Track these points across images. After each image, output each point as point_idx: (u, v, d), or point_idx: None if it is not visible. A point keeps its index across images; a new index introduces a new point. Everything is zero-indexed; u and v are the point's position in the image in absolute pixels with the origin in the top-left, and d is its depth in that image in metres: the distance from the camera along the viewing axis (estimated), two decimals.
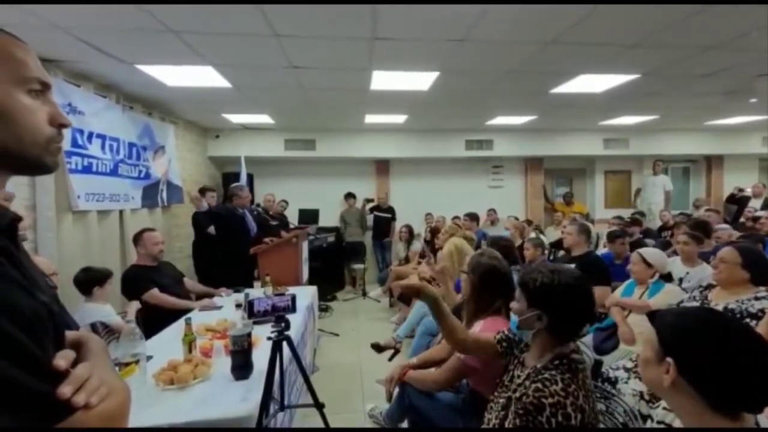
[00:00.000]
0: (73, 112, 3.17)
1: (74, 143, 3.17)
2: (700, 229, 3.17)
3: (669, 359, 0.82)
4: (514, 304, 1.28)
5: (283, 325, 1.41)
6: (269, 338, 1.48)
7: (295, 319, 2.63)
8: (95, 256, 3.40)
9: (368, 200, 7.15)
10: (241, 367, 1.65)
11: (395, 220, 7.02)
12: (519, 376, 1.22)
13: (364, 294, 6.30)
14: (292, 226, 6.06)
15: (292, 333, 2.40)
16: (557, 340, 1.20)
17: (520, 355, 1.32)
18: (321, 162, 7.15)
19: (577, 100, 4.62)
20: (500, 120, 5.95)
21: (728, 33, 2.78)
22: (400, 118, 5.74)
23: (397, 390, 1.96)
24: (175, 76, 3.50)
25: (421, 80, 3.74)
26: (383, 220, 7.00)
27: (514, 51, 3.03)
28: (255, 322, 2.50)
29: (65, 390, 0.50)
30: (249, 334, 1.67)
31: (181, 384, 1.62)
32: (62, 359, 0.53)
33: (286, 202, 6.67)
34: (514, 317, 1.27)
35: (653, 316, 0.89)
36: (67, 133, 3.09)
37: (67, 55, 2.94)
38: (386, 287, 5.41)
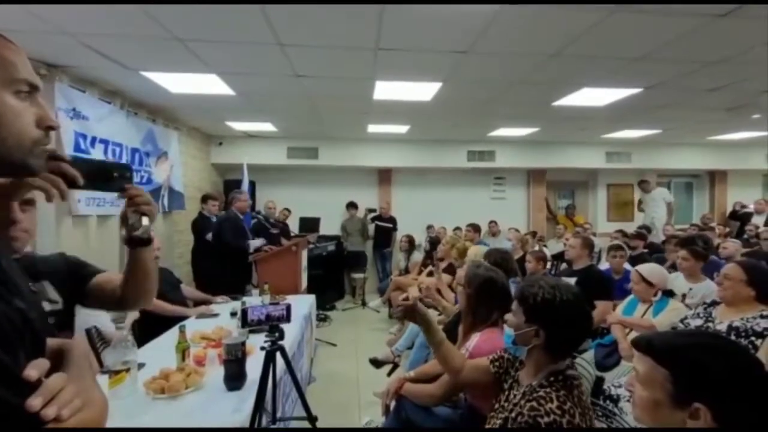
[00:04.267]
0: (77, 117, 3.19)
1: (77, 148, 3.19)
2: (693, 244, 3.13)
3: (699, 405, 0.74)
4: (509, 317, 1.25)
5: (277, 334, 1.38)
6: (263, 348, 1.45)
7: (292, 329, 2.60)
8: (94, 260, 3.34)
9: (370, 210, 7.15)
10: (234, 377, 1.62)
11: (396, 230, 7.00)
12: (515, 396, 1.19)
13: (364, 304, 6.25)
14: (293, 235, 6.06)
15: (288, 343, 2.36)
16: (552, 358, 1.17)
17: (515, 373, 1.28)
18: (323, 170, 7.16)
19: (580, 113, 4.62)
20: (502, 131, 5.96)
21: (732, 48, 2.78)
22: (402, 128, 5.76)
23: (393, 404, 1.91)
24: (180, 83, 3.52)
25: (424, 91, 3.75)
26: (385, 230, 6.98)
27: (517, 63, 3.04)
28: (250, 331, 2.48)
29: (35, 402, 0.48)
30: (243, 344, 1.64)
31: (172, 393, 1.59)
32: (34, 369, 0.50)
33: (289, 211, 6.68)
34: (509, 331, 1.24)
35: (644, 345, 0.84)
36: (70, 137, 3.12)
37: (74, 61, 2.97)
38: (385, 297, 5.37)
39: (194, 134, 5.84)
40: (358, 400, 3.15)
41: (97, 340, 2.44)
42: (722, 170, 7.95)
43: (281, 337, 1.39)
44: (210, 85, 3.53)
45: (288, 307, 1.43)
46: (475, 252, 3.04)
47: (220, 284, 3.89)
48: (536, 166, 7.41)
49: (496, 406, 1.27)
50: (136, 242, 1.00)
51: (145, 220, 0.98)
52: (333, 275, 6.51)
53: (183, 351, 1.87)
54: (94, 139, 3.39)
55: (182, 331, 1.90)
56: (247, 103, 4.22)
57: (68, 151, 3.09)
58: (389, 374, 3.23)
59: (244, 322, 1.39)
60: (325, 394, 3.32)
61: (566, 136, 6.39)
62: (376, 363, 3.27)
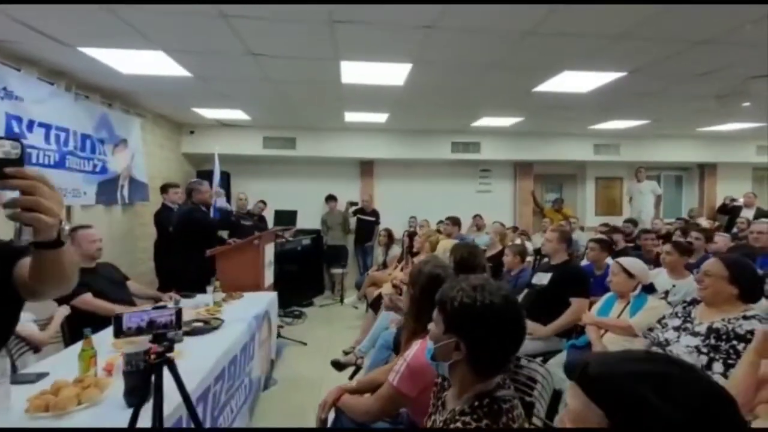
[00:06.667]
0: (9, 98, 2.90)
1: (9, 130, 2.89)
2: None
3: None
4: (431, 326, 1.03)
5: (166, 344, 1.15)
6: (144, 361, 1.21)
7: (235, 330, 2.37)
8: None
9: (352, 203, 6.90)
10: (135, 392, 1.38)
11: (379, 224, 6.77)
12: (439, 422, 0.97)
13: (342, 300, 6.03)
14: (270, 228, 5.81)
15: (225, 345, 2.14)
16: (478, 376, 0.95)
17: (442, 394, 1.06)
18: (302, 162, 6.90)
19: (564, 100, 4.39)
20: (486, 121, 5.73)
21: (720, 26, 2.55)
22: (381, 117, 5.51)
23: (333, 416, 1.70)
24: (128, 62, 3.24)
25: (395, 73, 3.49)
26: (367, 224, 6.74)
27: (488, 41, 2.79)
28: (186, 333, 2.24)
29: None
30: (147, 352, 1.40)
31: (58, 411, 1.35)
32: None
33: (264, 203, 6.41)
34: (429, 344, 1.02)
35: (577, 372, 0.62)
36: (0, 119, 2.83)
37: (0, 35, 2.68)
38: (361, 293, 5.15)
39: (161, 122, 5.53)
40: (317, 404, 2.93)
41: (13, 343, 2.19)
42: (712, 163, 7.79)
43: (170, 348, 1.16)
44: (161, 65, 3.25)
45: (178, 312, 1.19)
46: (445, 247, 2.82)
47: (183, 280, 3.65)
48: (523, 159, 7.20)
49: None
50: (37, 244, 0.76)
51: (26, 233, 0.72)
52: (310, 270, 6.27)
53: (89, 359, 1.62)
54: (31, 123, 3.10)
55: (87, 336, 1.65)
56: (207, 86, 3.94)
57: None
58: (352, 377, 3.01)
59: (118, 330, 1.15)
60: (285, 398, 3.11)
61: (553, 126, 6.17)
62: (338, 365, 3.05)
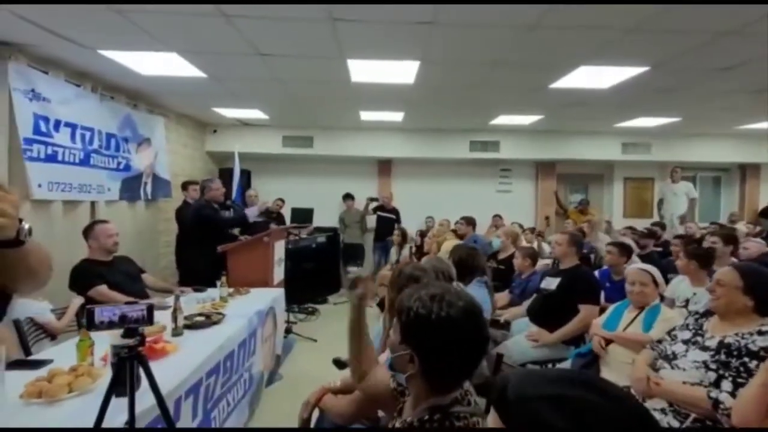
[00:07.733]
0: (37, 99, 3.08)
1: (37, 130, 3.08)
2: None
3: None
4: (390, 334, 1.01)
5: (138, 338, 1.18)
6: (116, 355, 1.25)
7: (233, 325, 2.42)
8: (60, 248, 3.28)
9: (373, 199, 6.89)
10: (121, 382, 1.43)
11: (400, 223, 6.72)
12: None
13: None
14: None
15: (223, 339, 2.19)
16: (432, 390, 0.91)
17: (403, 400, 1.04)
18: (320, 160, 6.98)
19: (584, 97, 4.21)
20: (504, 119, 5.58)
21: (741, 16, 2.36)
22: (396, 116, 5.48)
23: (317, 416, 1.70)
24: (146, 63, 3.38)
25: (404, 71, 3.46)
26: (387, 221, 6.71)
27: (492, 37, 2.71)
28: (186, 326, 2.30)
29: None
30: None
31: (49, 398, 1.42)
32: None
33: (283, 201, 6.53)
34: (389, 353, 0.99)
35: (495, 392, 0.58)
36: (27, 119, 3.02)
37: (25, 39, 2.84)
38: (372, 291, 5.13)
39: (185, 121, 5.74)
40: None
41: (30, 330, 2.33)
42: (755, 164, 7.25)
43: (141, 342, 1.19)
44: (176, 66, 3.37)
45: (149, 308, 1.22)
46: (447, 248, 2.77)
47: (198, 274, 3.76)
48: (545, 158, 6.96)
49: None
50: None
51: None
52: (326, 268, 6.34)
53: (86, 349, 1.70)
54: (58, 123, 3.28)
55: (84, 326, 1.72)
56: (222, 86, 4.04)
57: (26, 134, 2.99)
58: None
59: (90, 323, 1.20)
60: (287, 394, 3.15)
61: (575, 124, 5.93)
62: (339, 364, 3.04)
